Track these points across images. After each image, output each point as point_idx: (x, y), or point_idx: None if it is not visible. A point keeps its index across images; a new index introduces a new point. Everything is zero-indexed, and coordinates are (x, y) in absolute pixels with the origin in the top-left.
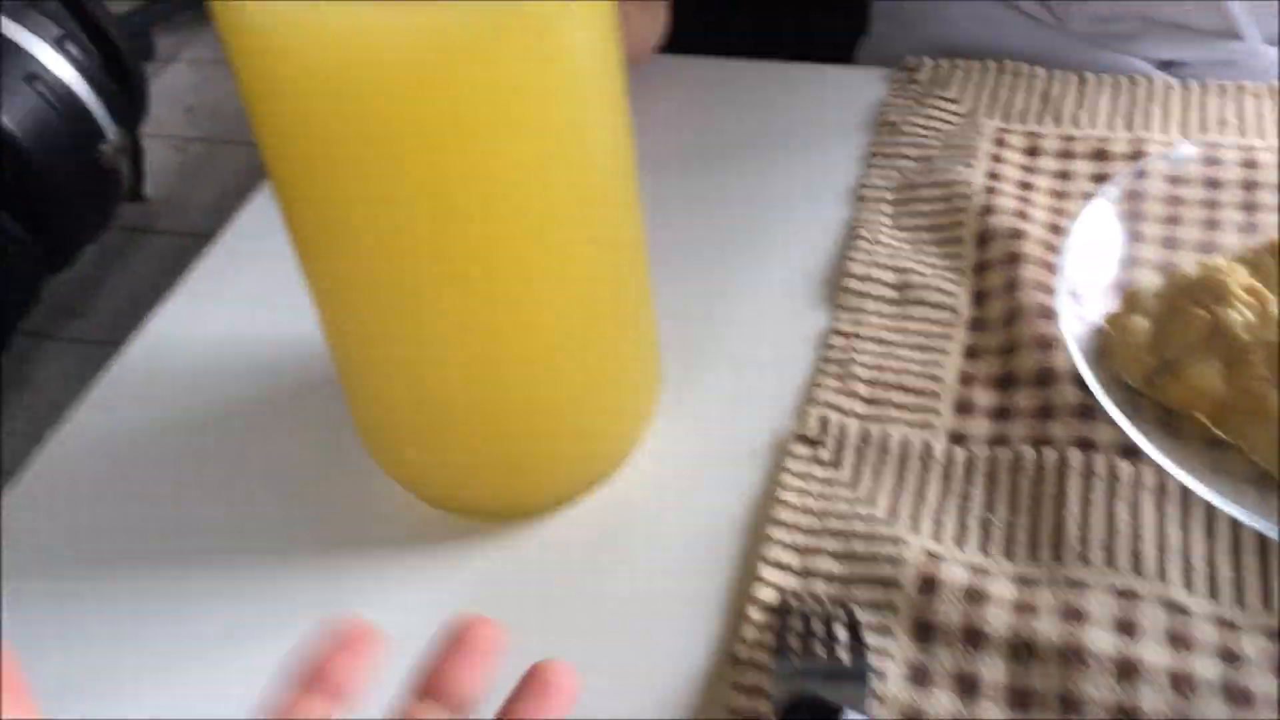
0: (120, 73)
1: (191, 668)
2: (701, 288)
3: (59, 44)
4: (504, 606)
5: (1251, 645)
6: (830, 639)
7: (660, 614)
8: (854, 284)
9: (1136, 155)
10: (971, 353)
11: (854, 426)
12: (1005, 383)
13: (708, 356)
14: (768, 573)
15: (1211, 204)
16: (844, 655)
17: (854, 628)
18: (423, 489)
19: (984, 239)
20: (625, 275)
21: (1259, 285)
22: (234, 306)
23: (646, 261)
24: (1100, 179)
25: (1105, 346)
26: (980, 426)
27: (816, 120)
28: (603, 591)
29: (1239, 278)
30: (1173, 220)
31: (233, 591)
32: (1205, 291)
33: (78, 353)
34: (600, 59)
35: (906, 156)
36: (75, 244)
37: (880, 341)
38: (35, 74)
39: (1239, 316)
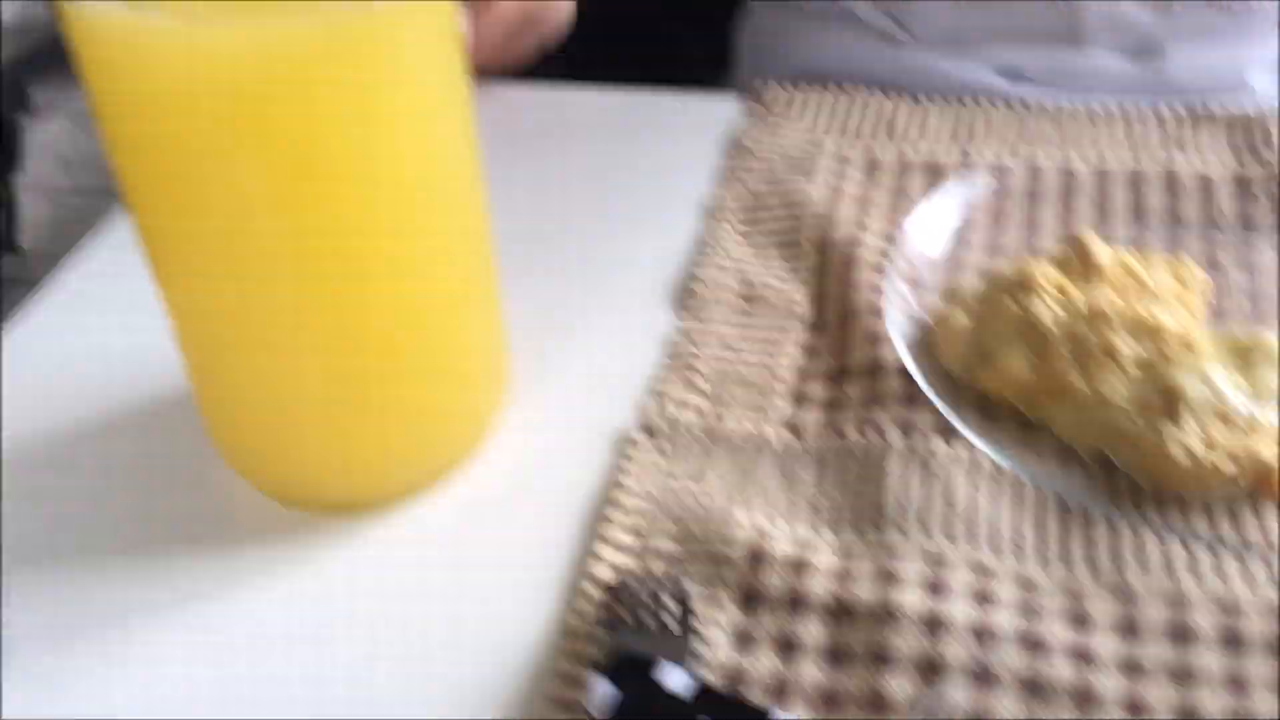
0: None
1: (40, 664)
2: (557, 294)
3: None
4: (355, 600)
5: (1050, 600)
6: (659, 610)
7: (505, 598)
8: (701, 289)
9: (966, 170)
10: (809, 351)
11: (694, 418)
12: (839, 376)
13: (559, 356)
14: (605, 552)
15: (1032, 214)
16: (671, 624)
17: (683, 599)
18: (273, 486)
19: (823, 247)
20: (469, 273)
21: (1065, 280)
22: (91, 322)
23: (494, 261)
24: (933, 192)
25: (929, 340)
26: (814, 416)
27: (677, 144)
28: (451, 579)
29: (1048, 274)
30: (996, 228)
31: (87, 589)
32: (1017, 287)
33: None
34: (440, 61)
35: (752, 170)
36: None
37: (722, 341)
38: None
39: (1046, 309)
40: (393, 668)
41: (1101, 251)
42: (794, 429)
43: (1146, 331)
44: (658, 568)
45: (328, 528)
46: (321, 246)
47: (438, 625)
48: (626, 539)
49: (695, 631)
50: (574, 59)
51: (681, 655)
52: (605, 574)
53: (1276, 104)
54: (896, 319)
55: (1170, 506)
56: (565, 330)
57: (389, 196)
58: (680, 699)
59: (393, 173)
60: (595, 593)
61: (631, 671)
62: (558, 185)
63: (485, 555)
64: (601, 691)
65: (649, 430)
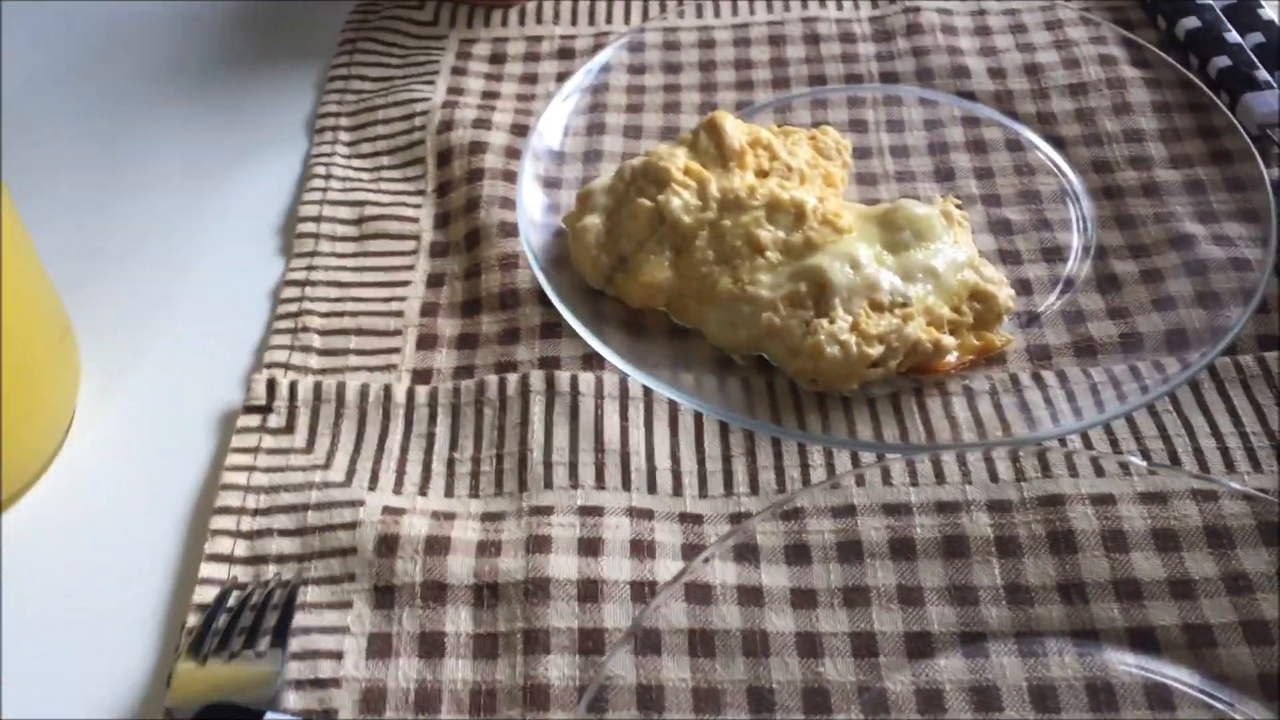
0: None
1: None
2: (147, 263)
3: None
4: None
5: (714, 533)
6: (256, 630)
7: (92, 642)
8: (308, 226)
9: (600, 49)
10: (435, 281)
11: (307, 383)
12: (470, 309)
13: (150, 340)
14: (209, 569)
15: (672, 88)
16: (264, 645)
17: (287, 610)
18: None
19: (444, 158)
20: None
21: (697, 166)
22: None
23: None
24: (566, 77)
25: (565, 253)
26: (445, 360)
27: (273, 51)
28: (30, 627)
29: (678, 161)
30: (635, 109)
31: None
32: (648, 180)
33: None
34: None
35: (365, 78)
36: None
37: (337, 285)
38: None
39: (679, 200)
40: None
41: (734, 132)
42: (423, 377)
43: (787, 214)
44: (273, 574)
45: None
46: None
47: (20, 690)
48: (232, 548)
49: (284, 652)
50: None
51: (273, 686)
52: (209, 596)
53: None
54: (529, 235)
55: (835, 408)
56: (157, 304)
57: None
58: None
59: None
60: (198, 621)
61: None
62: (126, 119)
63: (65, 592)
64: None
65: (255, 408)
